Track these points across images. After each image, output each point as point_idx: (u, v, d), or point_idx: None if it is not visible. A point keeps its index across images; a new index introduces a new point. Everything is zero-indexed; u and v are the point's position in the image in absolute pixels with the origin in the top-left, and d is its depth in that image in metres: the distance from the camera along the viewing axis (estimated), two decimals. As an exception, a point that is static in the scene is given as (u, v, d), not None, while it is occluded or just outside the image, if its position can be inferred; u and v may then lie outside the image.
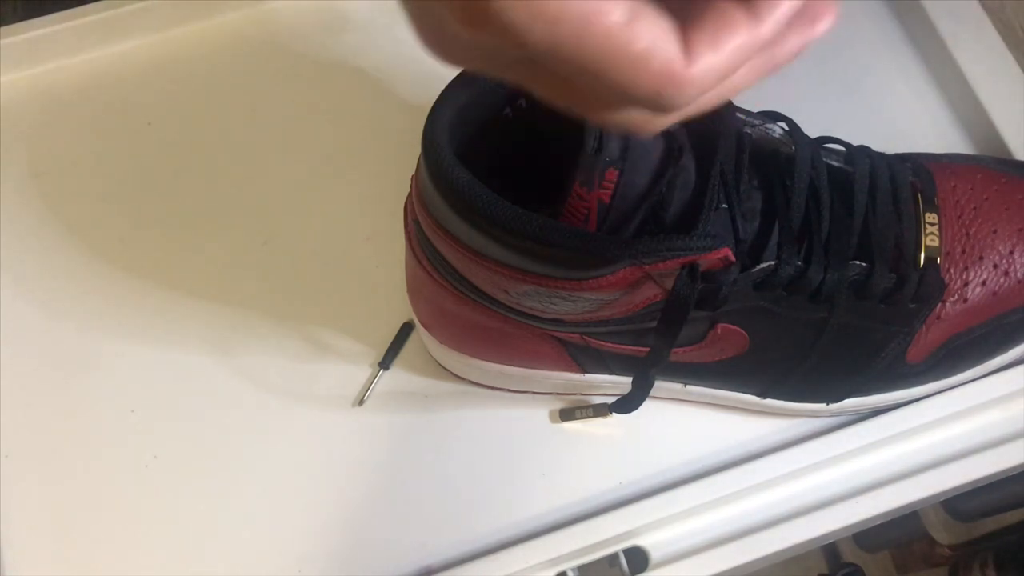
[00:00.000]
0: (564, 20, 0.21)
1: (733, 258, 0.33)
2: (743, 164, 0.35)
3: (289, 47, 0.53)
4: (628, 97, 0.22)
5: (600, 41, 0.21)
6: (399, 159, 0.43)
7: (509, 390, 0.44)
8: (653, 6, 0.22)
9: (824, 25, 0.24)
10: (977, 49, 0.49)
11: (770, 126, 0.38)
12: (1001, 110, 0.48)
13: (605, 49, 0.22)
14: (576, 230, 0.32)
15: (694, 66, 0.22)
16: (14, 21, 0.52)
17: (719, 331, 0.37)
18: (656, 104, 0.22)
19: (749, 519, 0.41)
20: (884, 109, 0.50)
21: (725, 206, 0.35)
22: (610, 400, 0.42)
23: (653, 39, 0.22)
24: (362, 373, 0.46)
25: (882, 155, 0.40)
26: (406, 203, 0.38)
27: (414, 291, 0.42)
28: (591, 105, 0.24)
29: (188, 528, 0.43)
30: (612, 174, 0.33)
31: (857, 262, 0.37)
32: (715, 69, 0.22)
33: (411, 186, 0.37)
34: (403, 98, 0.51)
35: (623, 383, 0.41)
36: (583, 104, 0.24)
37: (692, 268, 0.32)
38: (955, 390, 0.42)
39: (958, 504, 0.57)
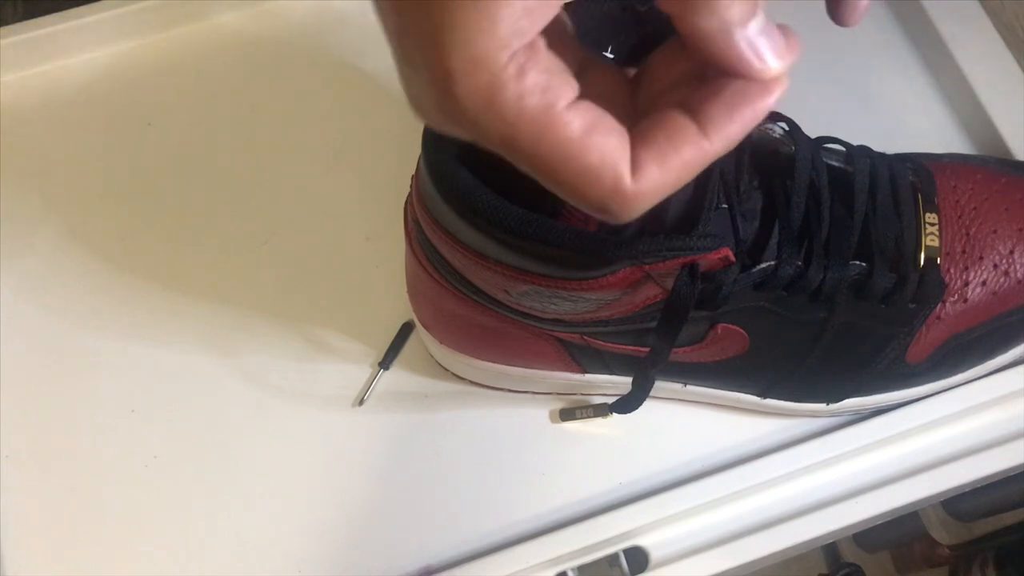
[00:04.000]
0: (522, 123, 0.22)
1: (733, 258, 0.33)
2: (743, 164, 0.35)
3: (289, 47, 0.53)
4: (576, 202, 0.23)
5: (554, 149, 0.22)
6: (399, 159, 0.43)
7: (509, 390, 0.44)
8: (610, 117, 0.23)
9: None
10: (977, 49, 0.49)
11: (770, 126, 0.38)
12: (1001, 110, 0.48)
13: (558, 157, 0.22)
14: (576, 230, 0.32)
15: (641, 182, 0.23)
16: (14, 21, 0.52)
17: (719, 331, 0.37)
18: (601, 213, 0.23)
19: (749, 519, 0.41)
20: (884, 109, 0.50)
21: (725, 206, 0.34)
22: (610, 400, 0.42)
23: (604, 154, 0.22)
24: (362, 373, 0.46)
25: (882, 155, 0.40)
26: (406, 203, 0.38)
27: (414, 291, 0.42)
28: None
29: (188, 528, 0.43)
30: (612, 174, 0.32)
31: (857, 262, 0.37)
32: (661, 185, 0.23)
33: (411, 186, 0.36)
34: (403, 98, 0.51)
35: (623, 383, 0.41)
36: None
37: (692, 268, 0.32)
38: (955, 390, 0.42)
39: (958, 504, 0.57)
